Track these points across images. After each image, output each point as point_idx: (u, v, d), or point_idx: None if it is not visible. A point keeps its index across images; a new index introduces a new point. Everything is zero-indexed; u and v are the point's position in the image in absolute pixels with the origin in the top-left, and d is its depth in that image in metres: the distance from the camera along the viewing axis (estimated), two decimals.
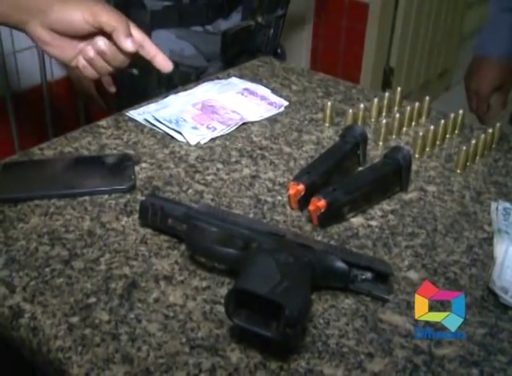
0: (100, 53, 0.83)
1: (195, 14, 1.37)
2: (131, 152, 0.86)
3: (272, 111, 0.99)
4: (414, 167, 0.84)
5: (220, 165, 0.85)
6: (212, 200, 0.78)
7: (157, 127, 0.93)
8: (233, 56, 1.28)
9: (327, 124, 0.97)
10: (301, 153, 0.89)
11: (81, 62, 0.85)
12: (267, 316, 0.54)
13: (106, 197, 0.77)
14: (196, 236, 0.65)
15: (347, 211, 0.74)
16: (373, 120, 0.99)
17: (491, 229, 0.75)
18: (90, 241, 0.69)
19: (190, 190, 0.79)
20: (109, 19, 0.81)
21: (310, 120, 0.98)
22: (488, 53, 1.33)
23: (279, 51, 1.56)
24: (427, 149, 0.90)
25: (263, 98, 1.02)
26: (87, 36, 0.83)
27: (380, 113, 1.00)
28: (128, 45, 0.81)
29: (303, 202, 0.75)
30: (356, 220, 0.75)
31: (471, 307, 0.63)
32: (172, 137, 0.91)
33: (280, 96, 1.04)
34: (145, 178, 0.81)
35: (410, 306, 0.62)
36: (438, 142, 0.93)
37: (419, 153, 0.89)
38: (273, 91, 1.05)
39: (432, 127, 0.90)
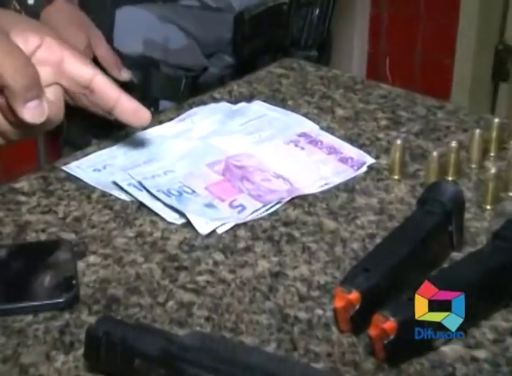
0: None
1: None
2: (70, 236, 0.67)
3: (347, 175, 0.72)
4: None
5: (220, 255, 0.65)
6: (207, 318, 0.58)
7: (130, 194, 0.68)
8: (253, 53, 1.01)
9: (396, 177, 0.75)
10: (353, 230, 0.68)
11: None
12: None
13: (30, 318, 0.58)
14: None
15: None
16: (473, 166, 0.75)
17: None
18: None
19: (171, 302, 0.60)
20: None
21: (368, 169, 0.76)
22: None
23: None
24: None
25: (332, 150, 0.74)
26: None
27: (486, 152, 0.76)
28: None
29: (359, 320, 0.58)
30: (450, 349, 0.56)
31: None
32: (156, 214, 0.68)
33: (318, 125, 0.79)
34: (94, 283, 0.63)
35: None
36: None
37: None
38: (306, 117, 0.82)
39: None
